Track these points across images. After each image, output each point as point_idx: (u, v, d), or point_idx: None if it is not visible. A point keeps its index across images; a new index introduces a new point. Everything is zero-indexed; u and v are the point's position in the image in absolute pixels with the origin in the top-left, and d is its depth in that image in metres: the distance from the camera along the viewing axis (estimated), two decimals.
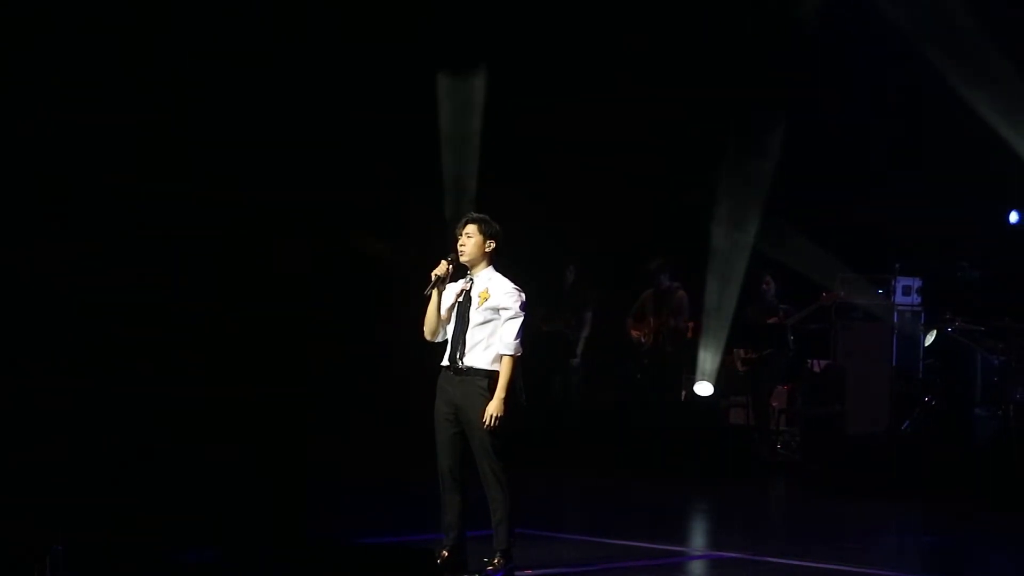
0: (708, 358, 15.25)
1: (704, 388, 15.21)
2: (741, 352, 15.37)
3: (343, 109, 14.61)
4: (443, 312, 8.63)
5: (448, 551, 8.56)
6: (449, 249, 8.66)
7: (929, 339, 14.89)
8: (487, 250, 8.62)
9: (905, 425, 14.58)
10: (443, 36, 14.95)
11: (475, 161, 15.12)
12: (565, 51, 15.55)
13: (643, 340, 15.53)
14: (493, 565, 8.51)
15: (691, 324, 15.51)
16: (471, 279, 8.62)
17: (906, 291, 15.07)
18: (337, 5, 14.72)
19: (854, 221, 15.62)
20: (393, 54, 14.84)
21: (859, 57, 15.83)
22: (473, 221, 8.65)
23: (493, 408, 8.41)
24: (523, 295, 8.57)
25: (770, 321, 15.18)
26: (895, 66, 15.30)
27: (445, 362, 8.62)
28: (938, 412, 14.46)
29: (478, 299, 8.54)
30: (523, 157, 15.59)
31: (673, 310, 15.37)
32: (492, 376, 8.47)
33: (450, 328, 8.62)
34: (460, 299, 8.60)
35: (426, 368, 8.96)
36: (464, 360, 8.53)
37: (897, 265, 15.12)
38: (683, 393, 15.57)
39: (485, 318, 8.52)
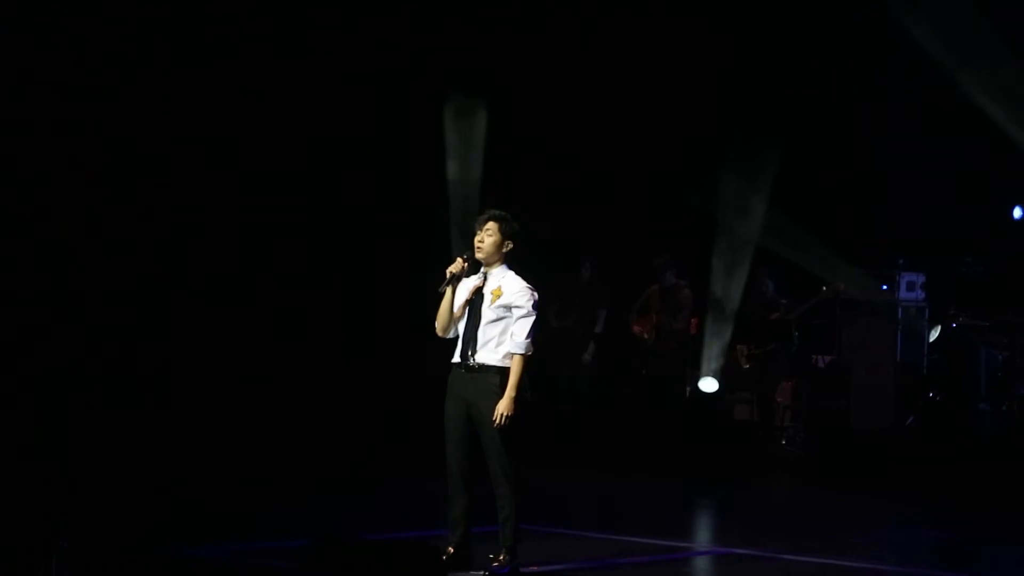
0: (713, 354, 15.25)
1: (709, 384, 15.21)
2: (745, 348, 15.37)
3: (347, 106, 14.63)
4: (456, 309, 8.61)
5: (453, 547, 8.55)
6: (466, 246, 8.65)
7: (933, 334, 14.90)
8: (504, 250, 8.59)
9: (909, 420, 14.61)
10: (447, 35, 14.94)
11: (480, 163, 15.10)
12: (574, 47, 15.56)
13: (645, 336, 15.52)
14: (499, 561, 8.51)
15: (694, 321, 15.51)
16: (484, 276, 8.61)
17: (910, 286, 15.09)
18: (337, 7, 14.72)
19: (858, 217, 15.62)
20: (395, 53, 14.84)
21: (862, 52, 15.83)
22: (494, 219, 8.59)
23: (503, 407, 8.39)
24: (536, 294, 8.54)
25: (772, 316, 15.18)
26: (899, 61, 15.29)
27: (456, 359, 8.60)
28: (942, 407, 14.49)
29: (491, 296, 8.52)
30: (526, 155, 15.57)
31: (676, 308, 15.35)
32: (503, 373, 8.44)
33: (462, 325, 8.60)
34: (473, 296, 8.58)
35: (434, 365, 8.96)
36: (475, 357, 8.50)
37: (901, 260, 15.12)
38: (688, 389, 15.56)
39: (497, 315, 8.50)
